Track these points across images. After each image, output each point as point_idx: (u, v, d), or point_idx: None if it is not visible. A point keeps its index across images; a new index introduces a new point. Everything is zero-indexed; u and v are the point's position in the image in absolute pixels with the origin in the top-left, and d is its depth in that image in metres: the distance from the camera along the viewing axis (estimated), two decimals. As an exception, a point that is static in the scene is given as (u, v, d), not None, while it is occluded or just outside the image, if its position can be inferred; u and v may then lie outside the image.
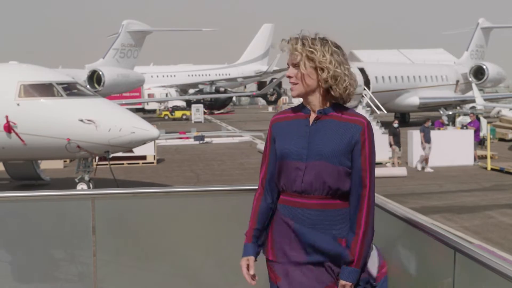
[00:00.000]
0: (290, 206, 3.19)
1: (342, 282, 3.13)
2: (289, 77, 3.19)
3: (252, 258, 3.28)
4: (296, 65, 3.16)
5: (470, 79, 42.86)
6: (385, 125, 30.34)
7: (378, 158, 25.46)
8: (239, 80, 69.36)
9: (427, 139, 20.56)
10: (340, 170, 3.12)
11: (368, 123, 3.18)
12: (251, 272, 3.26)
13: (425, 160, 20.66)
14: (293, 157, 3.15)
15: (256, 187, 3.42)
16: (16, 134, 14.22)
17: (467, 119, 26.48)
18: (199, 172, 20.96)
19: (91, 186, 15.18)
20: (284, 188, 3.21)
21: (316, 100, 3.19)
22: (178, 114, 50.91)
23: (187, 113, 50.64)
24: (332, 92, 3.15)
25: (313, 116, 3.20)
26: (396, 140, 20.97)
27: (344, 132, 3.13)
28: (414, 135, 21.96)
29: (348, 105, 3.30)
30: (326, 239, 3.13)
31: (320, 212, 3.13)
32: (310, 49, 3.12)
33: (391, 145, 21.16)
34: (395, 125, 21.57)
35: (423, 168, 20.68)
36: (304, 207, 3.14)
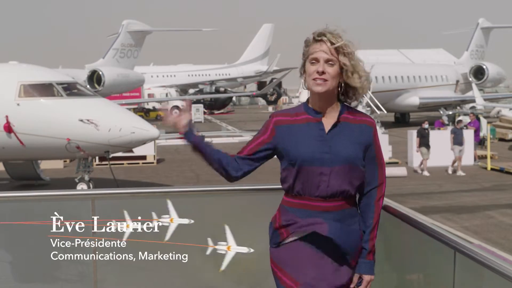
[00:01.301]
0: (309, 209, 3.13)
1: (366, 277, 3.14)
2: (322, 72, 3.09)
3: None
4: (331, 61, 3.10)
5: (470, 79, 42.84)
6: (385, 125, 30.32)
7: (378, 158, 25.28)
8: (239, 80, 69.29)
9: (458, 141, 19.84)
10: (362, 171, 3.15)
11: (375, 122, 3.24)
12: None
13: (456, 161, 19.89)
14: (316, 163, 3.09)
15: (255, 187, 3.42)
16: (16, 136, 14.21)
17: (467, 119, 26.46)
18: (199, 172, 20.94)
19: (91, 186, 15.18)
20: (301, 192, 3.14)
21: (332, 100, 3.17)
22: (152, 115, 51.20)
23: (162, 113, 50.82)
24: (350, 95, 3.19)
25: (325, 119, 3.16)
26: (425, 141, 20.16)
27: (359, 134, 3.15)
28: (414, 135, 21.94)
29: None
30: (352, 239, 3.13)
31: (341, 212, 3.14)
32: (349, 50, 3.11)
33: (419, 146, 20.22)
34: (426, 125, 20.63)
35: (454, 171, 19.93)
36: (325, 210, 3.12)
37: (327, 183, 3.08)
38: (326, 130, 3.13)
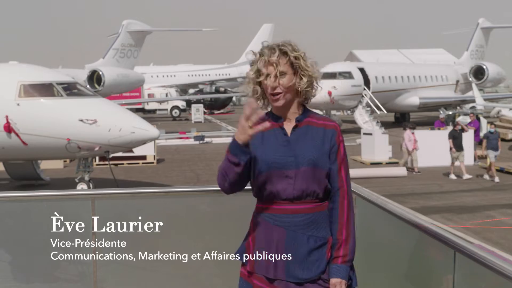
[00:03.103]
0: (278, 214, 3.15)
1: (332, 280, 3.11)
2: (274, 88, 3.14)
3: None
4: (283, 74, 3.13)
5: (470, 79, 42.86)
6: (385, 125, 30.35)
7: (378, 158, 25.01)
8: (239, 80, 69.30)
9: (493, 146, 19.04)
10: (326, 173, 3.17)
11: (339, 126, 3.27)
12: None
13: (488, 167, 19.14)
14: (282, 167, 3.13)
15: None
16: (17, 135, 14.22)
17: (467, 119, 26.46)
18: (199, 172, 20.95)
19: (91, 186, 15.19)
20: (270, 197, 3.17)
21: (294, 107, 3.21)
22: None
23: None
24: (306, 95, 3.20)
25: (287, 123, 3.21)
26: (457, 143, 19.46)
27: (323, 136, 3.18)
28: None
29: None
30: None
31: (311, 215, 3.15)
32: (296, 56, 3.13)
33: (451, 149, 19.57)
34: (459, 127, 20.14)
35: (491, 177, 18.91)
36: (294, 213, 3.14)
37: (292, 186, 3.12)
38: (288, 134, 3.19)
